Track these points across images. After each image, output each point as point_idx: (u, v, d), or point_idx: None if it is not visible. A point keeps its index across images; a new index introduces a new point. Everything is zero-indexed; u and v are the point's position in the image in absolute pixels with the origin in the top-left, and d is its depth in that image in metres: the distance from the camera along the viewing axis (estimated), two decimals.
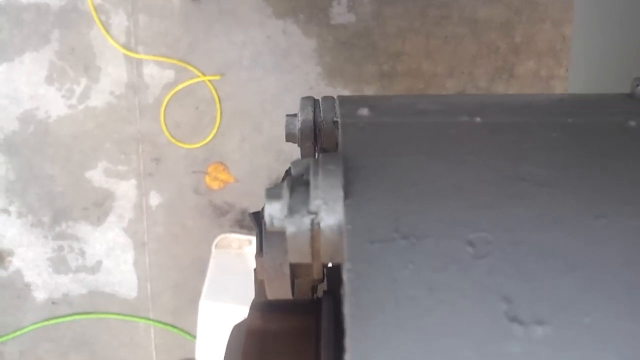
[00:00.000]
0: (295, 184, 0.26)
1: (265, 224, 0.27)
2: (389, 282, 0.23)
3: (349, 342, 0.21)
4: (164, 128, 1.31)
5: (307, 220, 0.25)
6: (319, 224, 0.25)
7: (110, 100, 1.31)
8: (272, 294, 0.34)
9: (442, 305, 0.23)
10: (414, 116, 0.34)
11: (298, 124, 0.40)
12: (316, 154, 0.41)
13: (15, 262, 1.38)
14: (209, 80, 1.30)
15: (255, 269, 0.40)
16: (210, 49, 1.29)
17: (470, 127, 0.31)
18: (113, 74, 1.30)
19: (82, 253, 1.38)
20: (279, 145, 1.31)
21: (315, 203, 0.25)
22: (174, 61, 1.29)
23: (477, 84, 1.29)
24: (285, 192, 0.26)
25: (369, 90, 1.30)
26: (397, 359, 0.22)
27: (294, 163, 0.28)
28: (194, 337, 1.35)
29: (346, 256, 0.24)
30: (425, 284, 0.23)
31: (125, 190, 1.35)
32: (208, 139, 1.32)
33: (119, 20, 1.28)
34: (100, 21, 1.27)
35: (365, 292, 0.23)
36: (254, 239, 1.33)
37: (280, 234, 0.29)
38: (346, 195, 0.26)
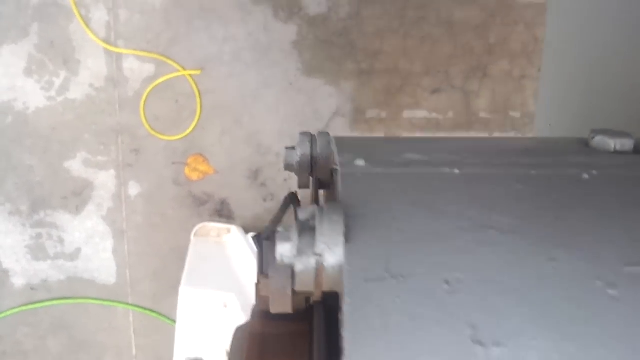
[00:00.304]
0: (303, 229, 0.44)
1: (275, 259, 0.46)
2: (380, 313, 0.40)
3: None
4: (143, 120, 1.83)
5: (313, 261, 0.43)
6: (322, 263, 0.43)
7: (90, 92, 1.82)
8: (275, 310, 0.49)
9: (421, 331, 0.39)
10: (402, 167, 0.55)
11: (297, 157, 0.62)
12: (312, 183, 0.65)
13: None
14: (189, 75, 1.81)
15: (257, 284, 0.59)
16: (191, 44, 1.79)
17: (450, 178, 0.53)
18: (93, 67, 1.80)
19: (61, 241, 1.92)
20: (259, 138, 1.85)
21: (320, 246, 0.43)
22: (154, 55, 1.79)
23: (452, 82, 1.84)
24: (295, 236, 0.44)
25: (347, 86, 1.83)
26: None
27: (302, 210, 0.46)
28: (173, 321, 1.92)
29: (346, 292, 0.41)
30: (408, 314, 0.40)
31: (105, 180, 1.88)
32: (188, 132, 1.84)
33: (99, 15, 1.76)
34: (80, 15, 1.76)
35: (361, 321, 0.39)
36: (232, 227, 1.90)
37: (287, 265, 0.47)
38: (346, 240, 0.43)
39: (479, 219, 0.48)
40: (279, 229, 0.46)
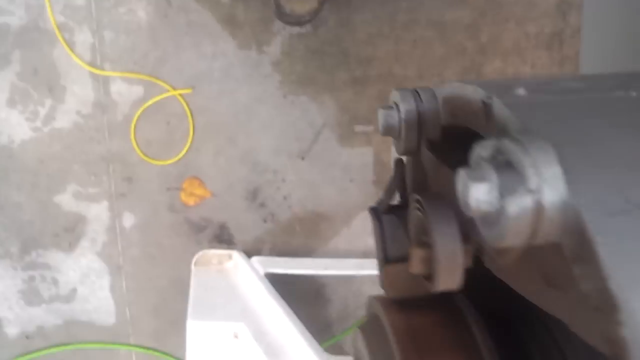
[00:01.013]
0: (498, 165, 0.33)
1: (443, 216, 0.37)
2: None
3: (628, 314, 0.28)
4: (134, 146, 1.72)
5: (528, 200, 0.32)
6: (540, 201, 0.32)
7: (77, 120, 1.70)
8: (442, 286, 0.41)
9: None
10: (570, 94, 0.43)
11: (401, 116, 0.52)
12: (419, 146, 0.54)
13: None
14: (180, 94, 1.72)
15: (380, 265, 0.51)
16: (180, 63, 1.71)
17: (631, 101, 0.41)
18: (79, 93, 1.69)
19: (55, 282, 1.77)
20: (255, 156, 1.74)
21: (534, 180, 0.32)
22: (143, 76, 1.70)
23: None
24: (491, 174, 0.33)
25: (343, 97, 1.75)
26: None
27: (482, 145, 0.35)
28: (178, 359, 1.77)
29: (592, 230, 0.31)
30: None
31: (97, 213, 1.75)
32: (181, 155, 1.73)
33: (84, 38, 1.67)
34: (64, 39, 1.66)
35: (633, 263, 0.30)
36: (234, 252, 1.77)
37: (448, 222, 0.40)
38: (563, 172, 0.32)
39: None
40: (462, 169, 0.35)
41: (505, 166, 0.33)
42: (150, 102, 1.71)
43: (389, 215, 0.54)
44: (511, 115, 0.39)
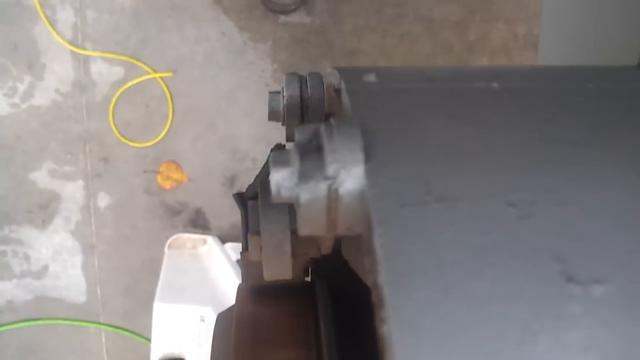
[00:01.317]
0: (305, 150, 0.31)
1: (270, 194, 0.33)
2: (429, 246, 0.28)
3: (390, 311, 0.26)
4: (112, 127, 1.70)
5: (323, 187, 0.30)
6: (337, 189, 0.30)
7: (56, 98, 1.68)
8: (270, 274, 0.41)
9: (491, 268, 0.28)
10: (425, 82, 0.41)
11: (283, 101, 0.49)
12: None
13: None
14: (160, 77, 1.69)
15: (242, 252, 0.48)
16: (162, 45, 1.68)
17: (489, 93, 0.39)
18: (59, 71, 1.67)
19: (27, 258, 1.76)
20: (234, 144, 1.72)
21: (332, 167, 0.30)
22: (124, 57, 1.67)
23: None
24: (295, 158, 0.31)
25: None
26: (447, 324, 0.26)
27: (299, 128, 0.32)
28: (147, 339, 1.76)
29: (375, 221, 0.29)
30: (469, 247, 0.28)
31: (72, 191, 1.73)
32: (159, 138, 1.71)
33: (66, 16, 1.64)
34: (46, 16, 1.63)
35: (403, 257, 0.28)
36: (209, 237, 1.76)
37: (279, 209, 0.38)
38: (367, 159, 0.31)
39: (540, 132, 0.35)
40: (272, 152, 0.33)
41: (312, 151, 0.32)
42: (130, 84, 1.69)
43: (254, 202, 0.51)
44: (348, 101, 0.37)
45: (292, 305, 0.46)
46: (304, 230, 0.32)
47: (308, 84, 0.50)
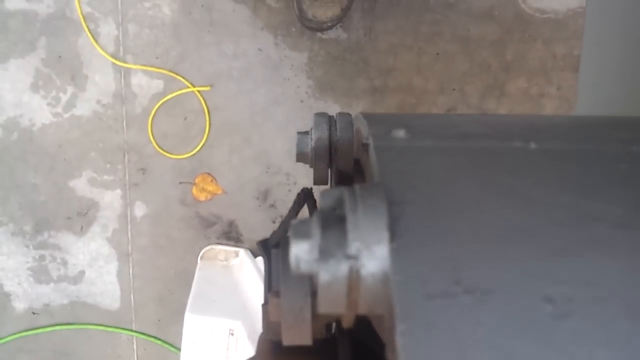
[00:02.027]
0: (327, 221, 0.28)
1: (289, 266, 0.30)
2: (456, 351, 0.25)
3: None
4: (151, 138, 1.72)
5: (344, 267, 0.27)
6: (358, 270, 0.27)
7: (97, 109, 1.71)
8: (289, 341, 0.37)
9: None
10: (458, 140, 0.37)
11: (311, 143, 0.47)
12: (330, 176, 0.48)
13: None
14: (198, 91, 1.70)
15: (264, 306, 0.46)
16: (200, 60, 1.69)
17: (527, 155, 0.35)
18: (100, 83, 1.70)
19: (64, 263, 1.79)
20: (268, 158, 1.73)
21: (354, 246, 0.27)
22: (163, 71, 1.69)
23: (468, 101, 1.72)
24: (316, 230, 0.28)
25: (360, 105, 1.72)
26: None
27: (324, 194, 0.30)
28: (178, 349, 1.77)
29: (398, 316, 0.25)
30: (499, 351, 0.25)
31: (110, 200, 1.76)
32: (196, 150, 1.73)
33: (108, 29, 1.67)
34: (89, 29, 1.67)
35: None
36: (240, 250, 1.76)
37: (302, 275, 0.34)
38: (392, 237, 0.28)
39: (580, 209, 0.31)
40: (293, 222, 0.31)
41: (335, 222, 0.29)
42: (169, 97, 1.71)
43: (278, 250, 0.48)
44: (375, 162, 0.34)
45: None
46: (323, 308, 0.30)
47: (337, 125, 0.47)
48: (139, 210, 1.78)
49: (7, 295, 1.82)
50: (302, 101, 1.72)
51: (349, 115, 0.48)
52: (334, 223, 0.29)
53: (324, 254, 0.28)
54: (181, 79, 1.70)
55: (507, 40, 1.70)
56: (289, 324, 0.37)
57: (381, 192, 0.29)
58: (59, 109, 1.72)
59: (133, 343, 1.83)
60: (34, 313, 1.82)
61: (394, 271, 0.27)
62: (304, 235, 0.29)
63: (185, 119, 1.73)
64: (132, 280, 1.81)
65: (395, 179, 0.32)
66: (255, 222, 1.78)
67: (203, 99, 1.71)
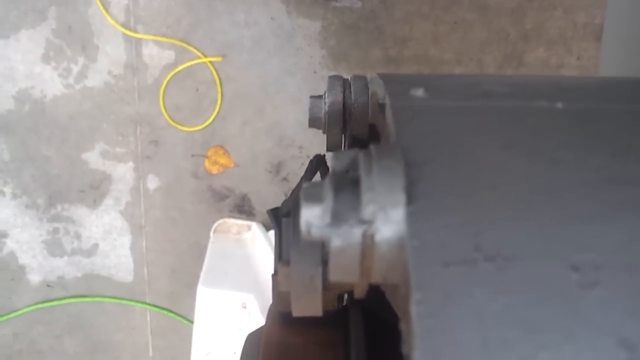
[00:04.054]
0: (341, 184, 0.27)
1: (300, 232, 0.29)
2: (475, 320, 0.24)
3: None
4: (163, 110, 1.67)
5: (357, 232, 0.26)
6: (372, 236, 0.26)
7: (108, 80, 1.66)
8: (299, 311, 0.36)
9: (545, 353, 0.23)
10: (479, 100, 0.35)
11: (325, 107, 0.45)
12: (344, 142, 0.46)
13: (9, 244, 1.77)
14: (210, 62, 1.65)
15: (274, 276, 0.44)
16: (212, 30, 1.64)
17: (552, 115, 0.32)
18: (111, 53, 1.65)
19: (78, 236, 1.75)
20: (281, 130, 1.67)
21: (368, 209, 0.25)
22: (175, 41, 1.64)
23: (485, 71, 1.64)
24: (328, 193, 0.26)
25: (375, 74, 1.65)
26: None
27: (337, 156, 0.28)
28: (191, 322, 1.74)
29: (414, 284, 0.24)
30: (521, 323, 0.24)
31: (123, 173, 1.72)
32: (208, 122, 1.67)
33: None
34: None
35: (444, 335, 0.23)
36: (253, 224, 1.71)
37: (313, 242, 0.33)
38: (409, 200, 0.26)
39: (610, 170, 0.29)
40: (304, 185, 0.29)
41: (348, 185, 0.27)
42: (180, 68, 1.65)
43: (289, 219, 0.46)
44: (392, 122, 0.32)
45: (323, 334, 0.43)
46: (334, 276, 0.28)
47: (352, 89, 0.44)
48: (152, 183, 1.73)
49: (22, 268, 1.79)
50: (315, 72, 1.65)
51: (364, 77, 0.46)
52: (347, 186, 0.27)
53: (337, 218, 0.26)
54: (193, 49, 1.65)
55: (526, 8, 1.61)
56: (299, 294, 0.35)
57: (398, 153, 0.27)
58: (71, 80, 1.68)
59: (147, 315, 1.80)
60: (48, 286, 1.80)
61: (410, 236, 0.25)
62: (315, 198, 0.27)
63: (197, 90, 1.68)
64: (145, 253, 1.77)
65: (413, 140, 0.30)
66: (267, 196, 1.73)
67: (215, 69, 1.66)
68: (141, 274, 1.78)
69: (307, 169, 0.47)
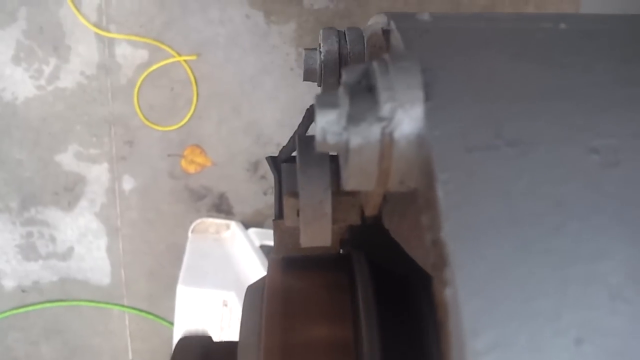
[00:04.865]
0: (355, 90, 0.27)
1: (309, 150, 0.31)
2: (502, 196, 0.24)
3: (455, 270, 0.22)
4: (137, 110, 1.65)
5: (376, 129, 0.26)
6: (392, 133, 0.26)
7: (81, 81, 1.63)
8: (307, 240, 0.36)
9: (574, 223, 0.24)
10: (485, 22, 0.36)
11: (320, 58, 0.44)
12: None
13: None
14: (185, 61, 1.63)
15: (275, 220, 0.45)
16: (186, 28, 1.62)
17: (557, 33, 0.34)
18: (84, 53, 1.62)
19: (53, 239, 1.72)
20: (258, 128, 1.66)
21: (387, 106, 0.25)
22: (148, 40, 1.62)
23: None
24: (344, 99, 0.26)
25: None
26: (523, 287, 0.22)
27: (347, 69, 0.28)
28: (171, 323, 1.72)
29: (438, 167, 0.25)
30: (548, 198, 0.24)
31: (97, 174, 1.69)
32: (184, 122, 1.65)
33: None
34: None
35: (472, 208, 0.24)
36: (232, 223, 1.70)
37: (320, 167, 0.34)
38: (427, 97, 0.26)
39: (618, 74, 0.30)
40: (319, 92, 0.28)
41: (363, 91, 0.27)
42: (154, 67, 1.63)
43: (289, 165, 0.47)
44: (400, 41, 0.32)
45: (328, 277, 0.42)
46: (350, 183, 0.28)
47: (347, 38, 0.44)
48: (127, 184, 1.70)
49: None
50: (291, 69, 1.64)
51: (358, 28, 0.45)
52: (362, 92, 0.26)
53: (354, 119, 0.26)
54: (167, 48, 1.63)
55: (498, 4, 1.63)
56: (309, 221, 0.35)
57: (413, 55, 0.27)
58: (42, 82, 1.64)
59: (125, 318, 1.77)
60: (23, 291, 1.76)
61: (431, 128, 0.26)
62: (331, 104, 0.27)
63: (172, 89, 1.66)
64: (122, 255, 1.74)
65: (424, 52, 0.30)
66: (246, 194, 1.72)
67: (190, 68, 1.64)
68: (118, 277, 1.76)
69: (304, 116, 0.45)
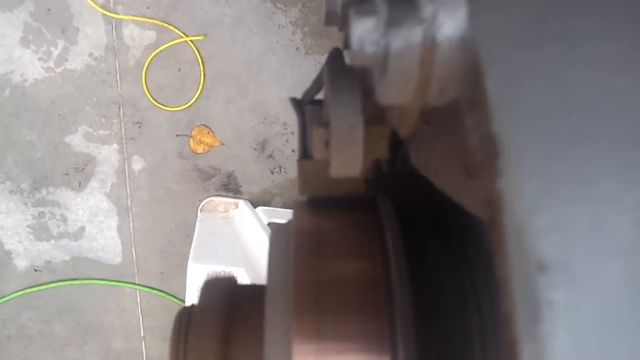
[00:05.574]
0: None
1: (339, 73, 0.30)
2: (554, 86, 0.24)
3: (509, 158, 0.22)
4: (145, 91, 1.66)
5: (418, 31, 0.24)
6: (433, 36, 0.25)
7: (90, 62, 1.64)
8: (338, 168, 0.35)
9: (630, 113, 0.24)
10: None
11: (341, 0, 0.41)
12: None
13: None
14: (192, 41, 1.64)
15: (299, 160, 0.44)
16: (192, 8, 1.62)
17: None
18: (92, 35, 1.63)
19: (64, 219, 1.74)
20: (265, 108, 1.67)
21: (429, 7, 0.24)
22: (155, 21, 1.62)
23: None
24: (382, 5, 0.25)
25: None
26: (582, 172, 0.23)
27: None
28: (182, 300, 1.74)
29: (485, 61, 0.24)
30: (601, 88, 0.24)
31: (107, 155, 1.70)
32: (191, 102, 1.67)
33: None
34: None
35: (524, 98, 0.24)
36: (240, 201, 1.72)
37: (350, 91, 0.33)
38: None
39: None
40: (353, 3, 0.29)
41: None
42: (162, 48, 1.64)
43: (313, 106, 0.47)
44: None
45: (356, 217, 0.41)
46: (388, 94, 0.27)
47: None
48: (137, 164, 1.72)
49: (7, 254, 1.77)
50: (297, 49, 1.65)
51: None
52: None
53: (395, 22, 0.25)
54: (174, 29, 1.63)
55: None
56: (340, 147, 0.34)
57: None
58: (51, 64, 1.65)
59: (136, 296, 1.80)
60: (36, 270, 1.78)
61: (476, 27, 0.25)
62: (368, 12, 0.25)
63: (179, 70, 1.67)
64: (132, 235, 1.77)
65: None
66: (253, 173, 1.73)
67: (197, 48, 1.65)
68: (129, 256, 1.78)
69: (326, 61, 0.43)
